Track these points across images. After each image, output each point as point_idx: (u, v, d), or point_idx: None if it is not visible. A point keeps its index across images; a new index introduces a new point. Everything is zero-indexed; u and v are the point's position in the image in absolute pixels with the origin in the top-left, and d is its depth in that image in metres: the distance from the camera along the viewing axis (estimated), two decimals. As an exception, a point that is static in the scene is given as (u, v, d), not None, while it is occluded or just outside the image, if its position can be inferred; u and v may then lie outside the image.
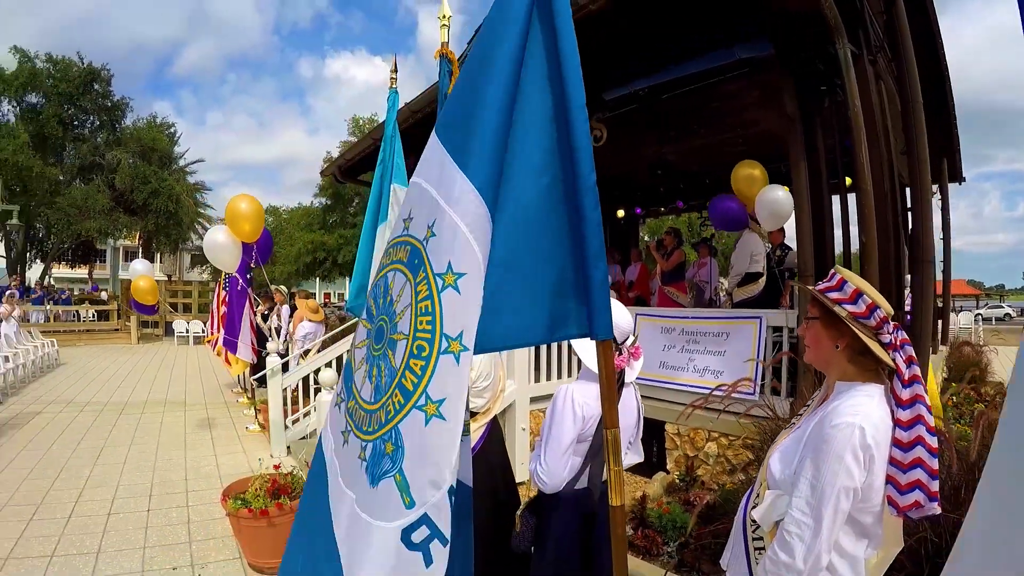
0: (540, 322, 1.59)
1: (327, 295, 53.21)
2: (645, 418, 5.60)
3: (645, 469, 6.12)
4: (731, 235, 9.22)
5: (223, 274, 10.00)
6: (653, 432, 5.99)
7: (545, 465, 2.61)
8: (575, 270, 1.59)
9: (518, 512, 3.16)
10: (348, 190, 28.18)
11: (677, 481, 5.40)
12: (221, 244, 7.97)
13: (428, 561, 1.51)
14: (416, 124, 5.68)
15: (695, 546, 3.63)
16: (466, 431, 1.58)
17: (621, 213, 12.23)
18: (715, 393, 4.27)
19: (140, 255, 48.15)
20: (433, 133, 1.72)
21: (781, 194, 6.08)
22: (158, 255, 42.97)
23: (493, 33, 1.62)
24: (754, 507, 1.96)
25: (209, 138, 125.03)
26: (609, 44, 5.45)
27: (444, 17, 2.70)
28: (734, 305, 7.04)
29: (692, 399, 4.57)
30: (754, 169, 6.69)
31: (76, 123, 30.46)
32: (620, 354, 2.63)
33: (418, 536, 1.51)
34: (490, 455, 3.48)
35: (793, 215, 5.64)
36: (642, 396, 5.70)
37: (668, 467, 5.75)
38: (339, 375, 6.19)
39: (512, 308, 1.58)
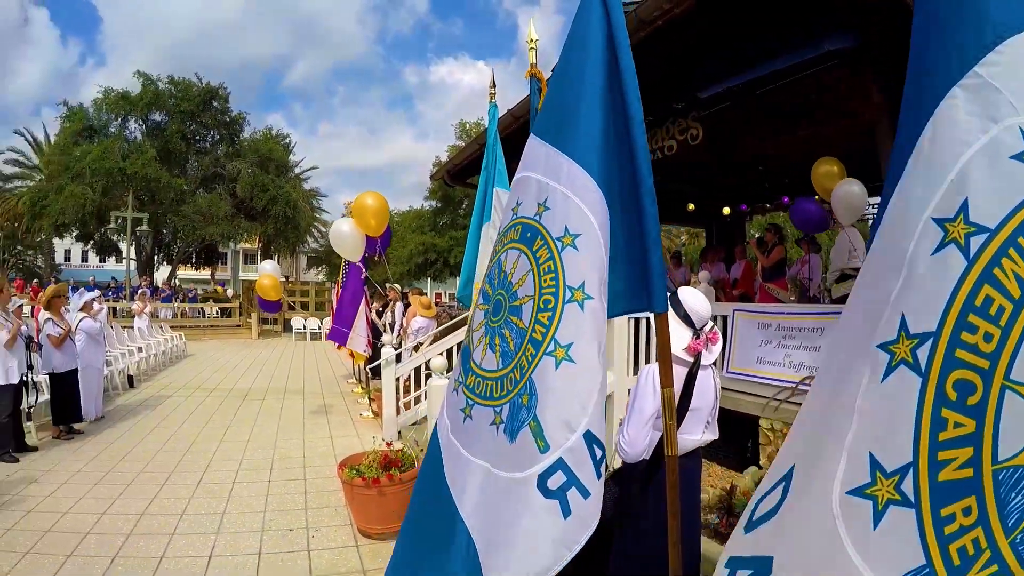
0: (617, 295, 2.08)
1: (438, 295, 55.34)
2: (740, 413, 5.84)
3: (737, 463, 6.36)
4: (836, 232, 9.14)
5: (340, 271, 11.36)
6: (747, 427, 6.19)
7: (627, 436, 3.02)
8: (638, 256, 2.04)
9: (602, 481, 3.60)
10: (457, 193, 29.82)
11: None
12: (346, 234, 8.96)
13: (566, 512, 1.74)
14: (518, 129, 6.12)
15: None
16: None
17: (727, 211, 12.26)
18: (804, 387, 4.43)
19: (259, 258, 52.37)
20: (532, 136, 2.24)
21: (856, 188, 6.23)
22: (276, 257, 46.56)
23: (573, 52, 2.14)
24: None
25: (321, 146, 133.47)
26: (699, 44, 5.68)
27: (531, 41, 3.20)
28: (832, 301, 7.04)
29: (787, 395, 4.78)
30: (832, 165, 6.78)
31: (198, 138, 34.60)
32: (698, 338, 2.99)
33: (554, 483, 1.75)
34: None
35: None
36: (738, 391, 5.93)
37: (761, 462, 5.92)
38: (450, 365, 6.86)
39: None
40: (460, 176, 11.57)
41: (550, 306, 1.90)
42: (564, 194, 1.99)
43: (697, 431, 3.06)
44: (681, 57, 5.95)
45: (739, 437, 6.36)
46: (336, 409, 10.82)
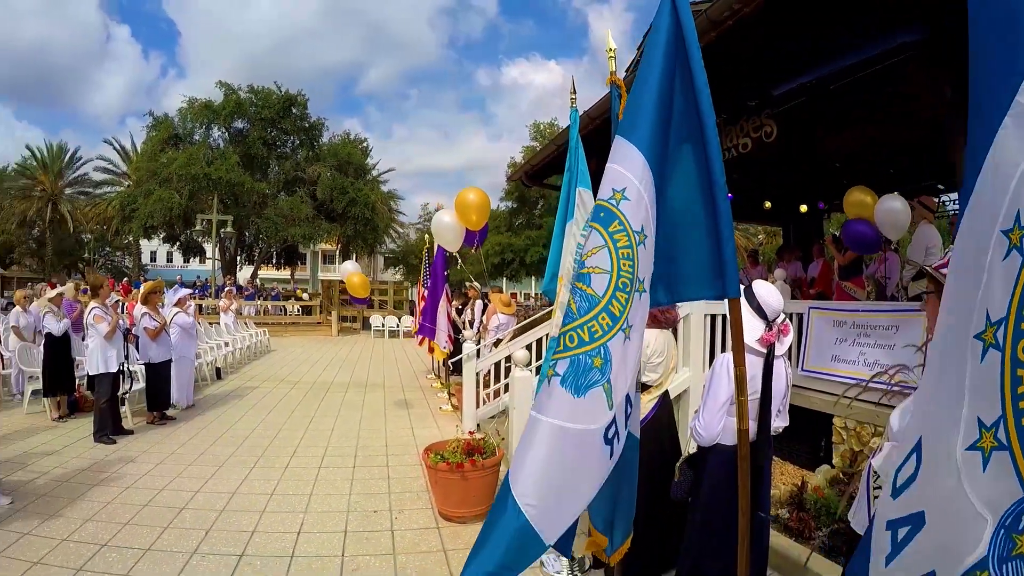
0: (691, 283, 2.40)
1: (513, 294, 55.71)
2: (814, 411, 5.78)
3: (809, 462, 6.29)
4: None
5: (422, 271, 11.64)
6: (821, 426, 6.12)
7: (702, 420, 3.25)
8: (713, 247, 2.31)
9: (678, 464, 3.73)
10: (533, 193, 30.34)
11: (841, 475, 5.48)
12: (447, 224, 9.25)
13: (611, 453, 2.20)
14: (595, 130, 6.17)
15: (846, 531, 3.81)
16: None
17: (804, 208, 11.96)
18: (875, 384, 4.41)
19: (337, 258, 54.05)
20: (617, 135, 2.42)
21: (897, 204, 6.19)
22: (354, 257, 47.97)
23: (650, 58, 2.34)
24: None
25: (396, 149, 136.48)
26: (770, 41, 5.61)
27: (610, 50, 3.29)
28: (909, 299, 6.85)
29: (857, 392, 4.73)
30: (865, 196, 6.77)
31: (279, 143, 36.22)
32: (770, 329, 3.17)
33: (610, 433, 2.18)
34: (660, 425, 4.18)
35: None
36: (812, 389, 5.86)
37: (833, 461, 5.85)
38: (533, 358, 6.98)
39: (676, 273, 2.41)
40: (537, 177, 11.72)
41: (627, 290, 2.16)
42: (638, 190, 2.23)
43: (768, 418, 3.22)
44: (753, 55, 5.90)
45: (812, 436, 6.33)
46: (416, 403, 11.08)
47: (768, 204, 11.98)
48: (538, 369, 6.75)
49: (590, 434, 2.14)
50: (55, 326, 9.15)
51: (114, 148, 49.47)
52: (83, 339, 10.15)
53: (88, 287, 8.72)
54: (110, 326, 8.02)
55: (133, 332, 8.78)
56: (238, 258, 38.30)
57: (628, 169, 2.26)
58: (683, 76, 2.30)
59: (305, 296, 33.79)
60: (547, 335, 6.57)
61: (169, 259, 57.02)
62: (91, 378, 8.37)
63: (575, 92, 4.84)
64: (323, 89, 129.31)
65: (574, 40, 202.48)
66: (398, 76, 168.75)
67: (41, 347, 9.62)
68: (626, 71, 11.30)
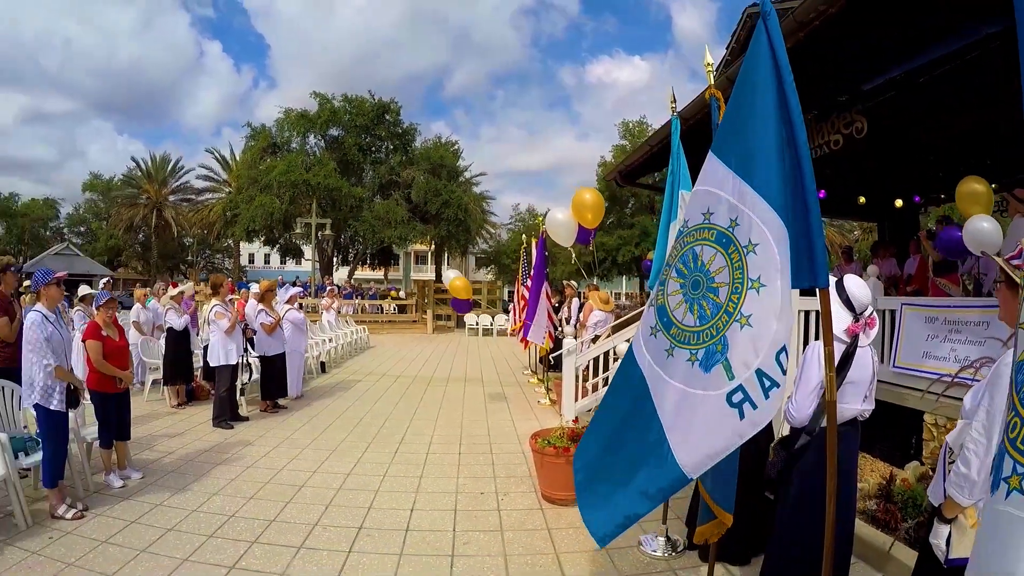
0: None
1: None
2: (905, 408, 5.77)
3: (899, 459, 6.23)
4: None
5: (520, 269, 12.09)
6: (912, 422, 6.05)
7: (795, 403, 3.53)
8: (805, 243, 2.72)
9: (771, 445, 3.98)
10: (624, 192, 30.34)
11: (930, 472, 5.41)
12: (561, 222, 9.58)
13: (741, 416, 2.68)
14: (687, 131, 6.26)
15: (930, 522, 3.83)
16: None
17: (899, 203, 11.57)
18: (960, 379, 4.41)
19: (430, 259, 55.33)
20: (711, 153, 2.91)
21: (986, 225, 6.03)
22: (447, 257, 49.10)
23: (747, 79, 2.77)
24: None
25: (484, 151, 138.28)
26: (857, 37, 5.58)
27: (708, 65, 3.56)
28: None
29: (943, 388, 4.73)
30: (978, 185, 6.59)
31: (373, 149, 37.57)
32: (856, 321, 3.42)
33: (735, 398, 2.69)
34: None
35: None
36: (904, 386, 5.83)
37: (923, 457, 5.78)
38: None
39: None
40: (631, 177, 11.81)
41: (739, 291, 2.72)
42: (749, 216, 2.73)
43: (856, 402, 3.49)
44: (841, 52, 5.89)
45: (904, 433, 6.29)
46: (514, 397, 11.44)
47: (862, 199, 11.73)
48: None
49: (713, 398, 2.73)
50: (176, 321, 9.99)
51: (214, 157, 52.77)
52: (197, 334, 11.00)
53: (210, 287, 9.51)
54: (230, 322, 8.71)
55: (250, 327, 9.46)
56: (334, 259, 39.84)
57: (739, 198, 2.78)
58: (777, 93, 2.68)
59: (402, 295, 34.84)
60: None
61: (267, 260, 59.83)
62: (210, 369, 9.08)
63: (675, 101, 5.10)
64: (411, 93, 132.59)
65: (657, 34, 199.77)
66: (483, 78, 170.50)
67: (161, 340, 10.48)
68: (717, 68, 11.30)
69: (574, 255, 12.68)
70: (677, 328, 2.93)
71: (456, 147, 41.03)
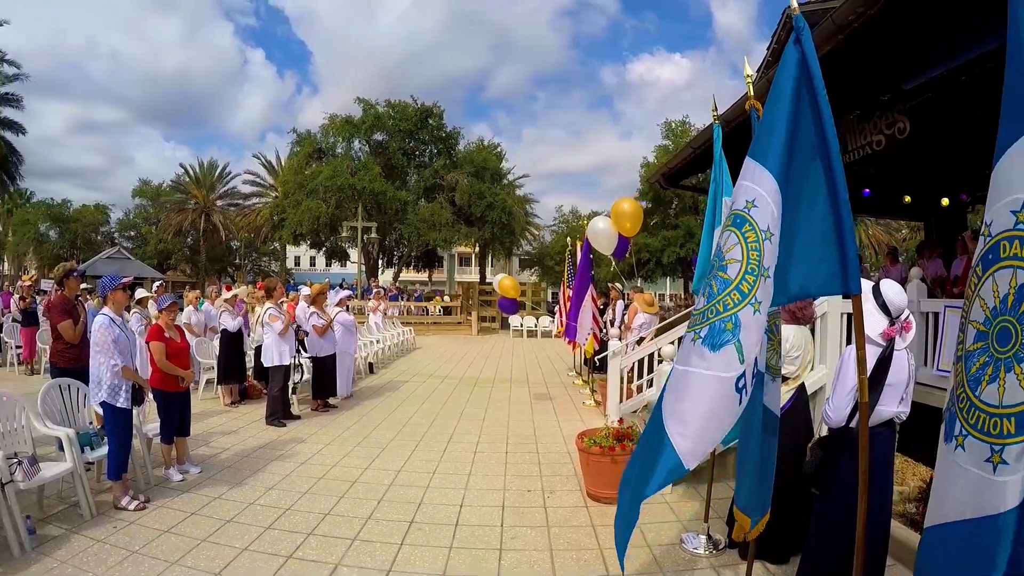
0: (819, 280, 2.87)
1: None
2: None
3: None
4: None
5: (565, 271, 12.77)
6: None
7: (832, 404, 3.60)
8: (837, 248, 2.77)
9: (810, 445, 4.12)
10: (668, 193, 30.29)
11: None
12: (601, 230, 9.82)
13: (740, 401, 2.79)
14: (728, 133, 6.34)
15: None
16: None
17: (945, 201, 11.37)
18: None
19: (474, 260, 55.79)
20: (748, 156, 2.95)
21: None
22: (490, 259, 49.53)
23: (778, 89, 2.85)
24: None
25: (527, 152, 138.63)
26: (897, 37, 5.59)
27: (748, 76, 3.71)
28: None
29: None
30: None
31: (417, 153, 38.39)
32: (892, 325, 3.49)
33: (740, 383, 2.77)
34: (796, 415, 4.54)
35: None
36: (947, 389, 5.79)
37: None
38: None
39: (806, 272, 2.89)
40: (674, 179, 11.88)
41: (755, 274, 2.75)
42: (767, 201, 2.79)
43: (893, 404, 3.56)
44: (882, 52, 5.91)
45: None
46: (559, 398, 11.62)
47: (908, 198, 11.60)
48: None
49: (723, 381, 2.75)
50: (231, 323, 10.41)
51: (261, 163, 54.21)
52: (248, 335, 11.39)
53: (263, 290, 9.90)
54: (284, 324, 9.03)
55: (302, 329, 9.79)
56: (380, 261, 40.49)
57: (758, 184, 2.83)
58: (811, 103, 2.78)
59: (447, 297, 35.26)
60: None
61: (312, 263, 60.92)
62: (262, 368, 9.44)
63: (716, 109, 5.25)
64: (452, 96, 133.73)
65: (698, 31, 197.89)
66: (524, 79, 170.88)
67: (215, 341, 10.88)
68: (758, 71, 11.28)
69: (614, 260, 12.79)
70: (693, 315, 2.98)
71: (499, 150, 41.45)
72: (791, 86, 2.80)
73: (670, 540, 4.94)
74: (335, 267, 44.63)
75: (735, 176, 3.21)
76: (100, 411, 5.88)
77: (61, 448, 5.70)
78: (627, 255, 11.07)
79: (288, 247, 53.50)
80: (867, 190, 10.16)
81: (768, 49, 13.50)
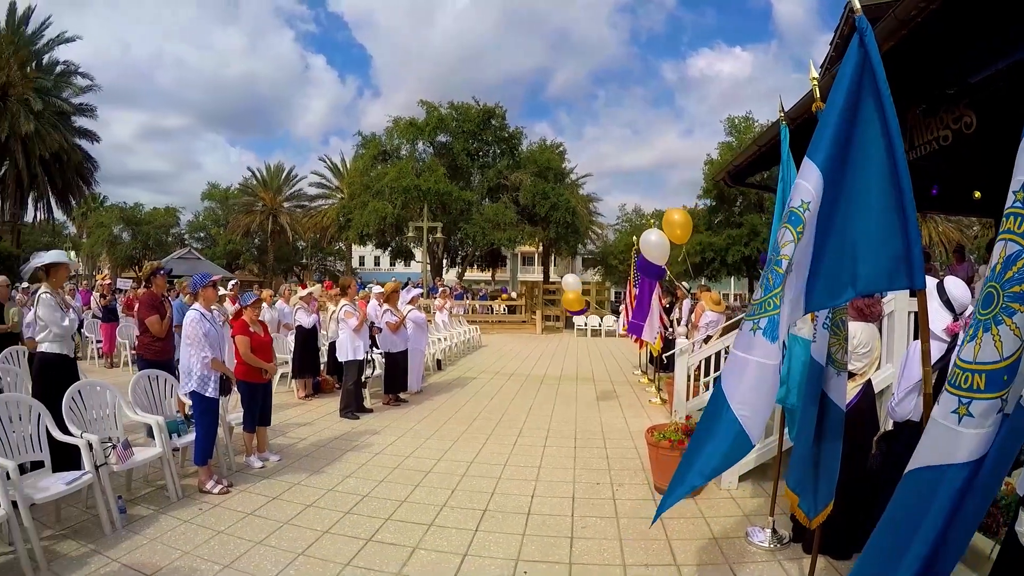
0: (884, 277, 2.95)
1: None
2: None
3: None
4: None
5: (631, 270, 13.27)
6: None
7: (897, 398, 3.73)
8: (902, 245, 2.85)
9: (875, 439, 4.26)
10: (731, 191, 29.91)
11: None
12: (654, 242, 10.04)
13: (777, 383, 3.15)
14: (795, 131, 6.36)
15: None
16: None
17: None
18: None
19: (537, 260, 56.01)
20: (806, 156, 3.09)
21: None
22: (553, 259, 49.74)
23: (836, 90, 2.97)
24: None
25: (588, 150, 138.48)
26: (960, 30, 5.53)
27: (813, 79, 3.81)
28: None
29: None
30: None
31: (481, 153, 38.85)
32: (956, 320, 3.60)
33: (779, 367, 3.15)
34: (862, 411, 4.56)
35: None
36: None
37: None
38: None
39: (871, 269, 2.96)
40: (740, 177, 11.85)
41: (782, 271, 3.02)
42: (817, 204, 2.97)
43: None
44: (945, 46, 5.85)
45: None
46: (625, 395, 11.76)
47: (977, 194, 11.34)
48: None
49: (775, 368, 3.11)
50: (306, 320, 10.89)
51: (326, 165, 55.89)
52: (322, 331, 11.83)
53: (339, 288, 10.36)
54: (358, 320, 9.40)
55: (376, 325, 10.17)
56: (444, 261, 41.10)
57: (813, 186, 2.98)
58: (875, 102, 2.88)
59: (512, 295, 35.65)
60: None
61: (376, 262, 62.05)
62: (334, 363, 9.83)
63: (783, 110, 5.34)
64: (513, 96, 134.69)
65: (759, 23, 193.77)
66: (584, 77, 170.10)
67: (288, 337, 11.35)
68: (822, 66, 11.16)
69: (683, 252, 12.82)
70: (751, 305, 3.23)
71: (561, 149, 41.66)
72: (851, 87, 2.92)
73: (735, 533, 5.05)
74: (399, 266, 45.48)
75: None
76: (187, 400, 6.30)
77: (149, 434, 6.18)
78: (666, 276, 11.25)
79: (353, 247, 54.72)
80: (935, 187, 9.99)
81: (831, 44, 13.32)
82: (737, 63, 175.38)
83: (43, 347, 6.06)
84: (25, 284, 16.35)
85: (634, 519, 5.39)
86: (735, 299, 45.08)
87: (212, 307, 6.44)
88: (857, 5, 2.95)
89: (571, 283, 13.24)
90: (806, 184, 3.01)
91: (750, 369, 3.11)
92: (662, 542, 4.90)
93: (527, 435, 8.39)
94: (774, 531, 4.94)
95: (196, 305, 6.27)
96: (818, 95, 3.75)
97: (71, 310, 6.37)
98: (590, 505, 5.73)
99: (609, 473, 6.71)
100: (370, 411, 9.69)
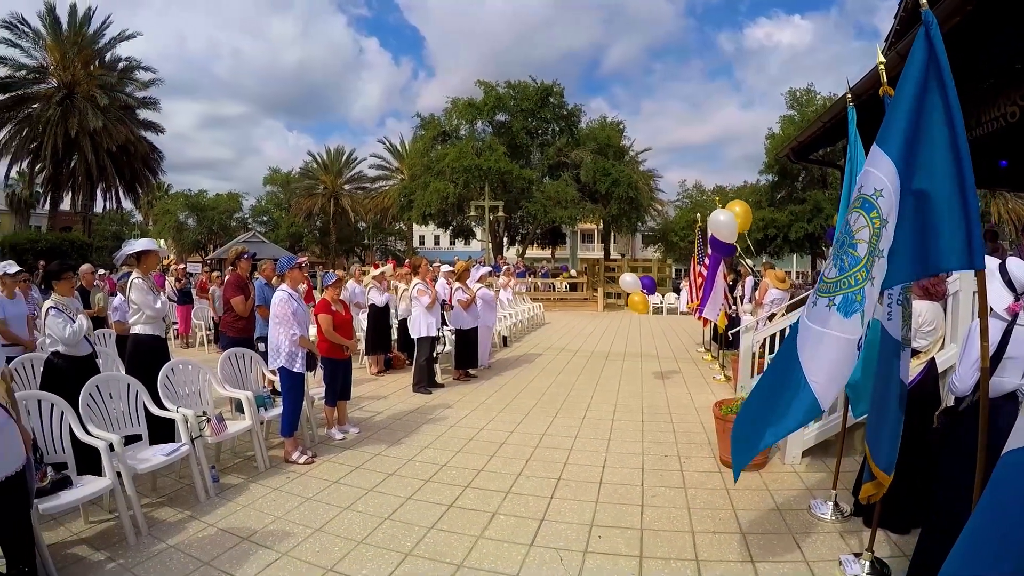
0: (945, 256, 3.19)
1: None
2: None
3: None
4: None
5: (695, 251, 13.67)
6: None
7: (958, 374, 3.80)
8: (963, 225, 3.08)
9: (936, 413, 4.42)
10: (794, 166, 29.42)
11: None
12: (723, 222, 10.20)
13: (858, 356, 3.42)
14: (858, 106, 6.34)
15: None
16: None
17: None
18: None
19: (596, 237, 55.98)
20: (875, 144, 3.35)
21: None
22: (613, 236, 49.67)
23: (905, 79, 3.20)
24: None
25: (646, 125, 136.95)
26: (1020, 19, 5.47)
27: (881, 63, 3.92)
28: None
29: None
30: None
31: (540, 132, 38.76)
32: (1017, 300, 3.66)
33: (859, 343, 3.38)
34: (925, 388, 4.75)
35: None
36: None
37: None
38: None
39: (933, 249, 3.22)
40: (803, 153, 11.75)
41: (874, 256, 3.27)
42: (890, 189, 3.23)
43: (1016, 376, 3.66)
44: (1012, 20, 5.79)
45: None
46: (689, 372, 11.93)
47: None
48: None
49: (851, 342, 3.36)
50: (379, 298, 11.37)
51: (385, 147, 56.89)
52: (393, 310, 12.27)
53: (411, 267, 10.77)
54: (431, 299, 9.78)
55: (448, 303, 10.55)
56: (504, 239, 41.46)
57: (884, 173, 3.25)
58: (940, 93, 3.11)
59: (573, 273, 35.87)
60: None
61: (436, 242, 62.85)
62: (405, 341, 10.24)
63: (850, 91, 5.45)
64: (569, 72, 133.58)
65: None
66: (640, 51, 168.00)
67: (360, 316, 11.81)
68: (886, 40, 10.99)
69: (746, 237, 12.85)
70: (822, 282, 3.52)
71: (621, 126, 41.48)
72: (919, 78, 3.15)
73: (799, 505, 5.23)
74: (459, 245, 46.00)
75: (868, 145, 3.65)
76: (271, 376, 6.78)
77: (238, 409, 6.66)
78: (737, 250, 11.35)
79: (414, 226, 55.50)
80: (1004, 161, 9.83)
81: (896, 17, 13.06)
82: (796, 32, 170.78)
83: (136, 329, 6.44)
84: (102, 271, 17.17)
85: (701, 490, 5.62)
86: (798, 276, 44.28)
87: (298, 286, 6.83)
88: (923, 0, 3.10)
89: (629, 283, 13.31)
90: (877, 173, 3.26)
91: (827, 341, 3.40)
92: (728, 512, 5.13)
93: (595, 409, 8.66)
94: (836, 504, 5.09)
95: (283, 286, 6.67)
96: (884, 79, 3.88)
97: (162, 293, 6.86)
98: (658, 476, 5.98)
99: (676, 446, 6.94)
100: (441, 386, 10.10)
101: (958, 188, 3.07)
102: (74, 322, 5.96)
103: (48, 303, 6.06)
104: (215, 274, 16.77)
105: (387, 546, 4.54)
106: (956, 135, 3.05)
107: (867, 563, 4.06)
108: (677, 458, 6.53)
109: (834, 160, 14.36)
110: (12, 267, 7.96)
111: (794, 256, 43.47)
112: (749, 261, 15.48)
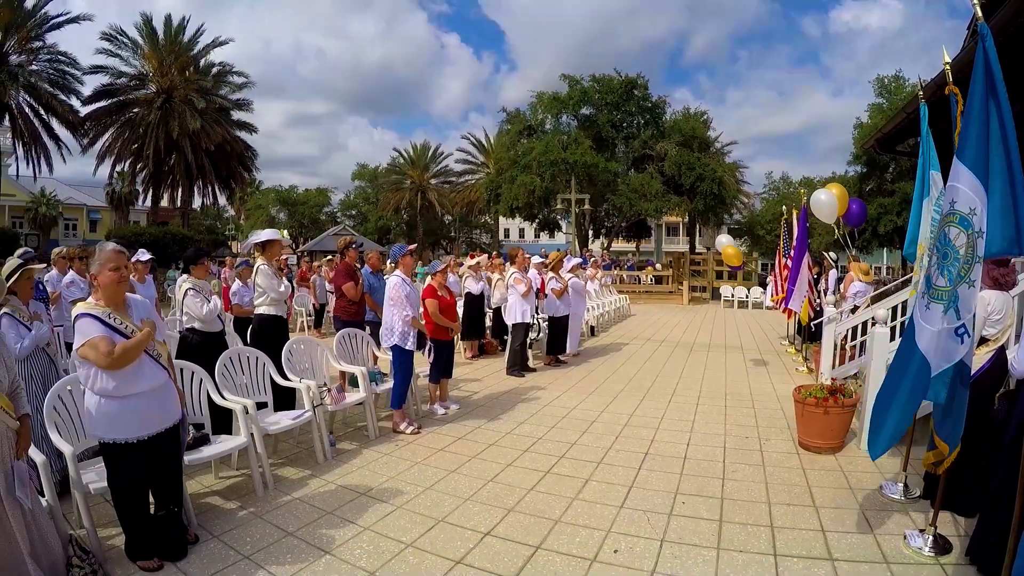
0: (998, 243, 3.69)
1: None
2: None
3: None
4: None
5: (780, 242, 13.93)
6: None
7: (1019, 356, 3.90)
8: (1014, 214, 3.59)
9: (997, 395, 4.62)
10: (882, 157, 28.69)
11: None
12: (824, 201, 10.58)
13: (960, 343, 3.82)
14: (934, 103, 6.45)
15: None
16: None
17: None
18: None
19: (682, 230, 55.63)
20: (955, 157, 3.80)
21: None
22: (698, 229, 49.29)
23: (973, 89, 3.71)
24: None
25: (731, 115, 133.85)
26: None
27: (946, 64, 4.32)
28: None
29: None
30: None
31: (624, 125, 38.98)
32: None
33: (959, 331, 3.81)
34: (992, 375, 4.85)
35: None
36: None
37: None
38: (892, 317, 7.75)
39: (992, 235, 3.70)
40: (889, 144, 11.70)
41: (971, 262, 3.69)
42: (982, 210, 3.64)
43: None
44: None
45: None
46: (772, 363, 12.22)
47: None
48: (893, 329, 7.49)
49: (948, 332, 3.83)
50: (475, 287, 12.05)
51: (470, 142, 57.91)
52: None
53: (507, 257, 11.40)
54: (526, 287, 10.43)
55: (542, 291, 11.24)
56: (589, 232, 41.82)
57: (970, 189, 3.68)
58: (994, 99, 3.60)
59: (658, 267, 36.01)
60: (911, 295, 7.27)
61: (522, 234, 63.48)
62: (498, 327, 10.85)
63: (923, 88, 5.73)
64: (652, 63, 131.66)
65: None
66: (724, 39, 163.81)
67: (459, 303, 12.50)
68: (964, 41, 10.87)
69: (838, 228, 12.90)
70: (934, 288, 3.92)
71: (706, 117, 41.19)
72: (981, 90, 3.64)
73: (870, 485, 5.55)
74: (543, 238, 46.54)
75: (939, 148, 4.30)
76: (381, 355, 7.54)
77: (351, 383, 7.33)
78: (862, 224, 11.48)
79: (500, 219, 56.40)
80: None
81: (968, 28, 12.87)
82: (885, 14, 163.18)
83: (260, 309, 7.29)
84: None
85: (779, 468, 6.03)
86: (887, 272, 42.70)
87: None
88: (979, 13, 3.46)
89: (724, 241, 13.69)
90: (965, 190, 3.71)
91: (944, 336, 3.86)
92: (803, 487, 5.53)
93: (680, 395, 9.12)
94: (906, 486, 5.34)
95: (397, 272, 7.36)
96: (950, 79, 4.21)
97: (286, 278, 7.65)
98: (739, 454, 6.43)
99: (757, 429, 7.35)
100: (533, 370, 10.74)
101: (1009, 184, 3.58)
102: (209, 302, 6.71)
103: (186, 285, 6.75)
104: (317, 263, 17.72)
105: (492, 503, 5.14)
106: (1007, 135, 3.55)
107: (930, 537, 4.29)
108: (757, 439, 6.94)
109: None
110: (144, 255, 8.95)
111: (884, 251, 42.13)
112: (833, 254, 15.46)
